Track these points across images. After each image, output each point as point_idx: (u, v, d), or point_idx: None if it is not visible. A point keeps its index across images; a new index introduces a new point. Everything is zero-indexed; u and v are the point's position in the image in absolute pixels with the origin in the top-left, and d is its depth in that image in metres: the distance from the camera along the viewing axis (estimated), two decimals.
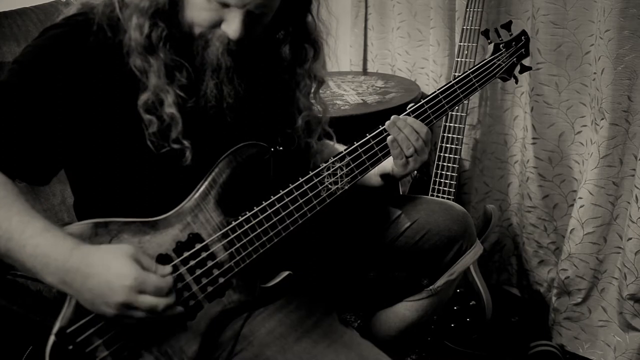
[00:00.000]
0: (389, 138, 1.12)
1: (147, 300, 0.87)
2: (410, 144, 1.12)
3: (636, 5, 1.54)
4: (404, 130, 1.12)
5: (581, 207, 1.75)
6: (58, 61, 0.95)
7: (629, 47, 1.58)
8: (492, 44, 1.28)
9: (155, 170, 1.01)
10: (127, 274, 0.85)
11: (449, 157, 1.78)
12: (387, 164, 1.19)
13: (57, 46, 0.96)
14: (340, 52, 2.56)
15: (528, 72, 1.83)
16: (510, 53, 1.29)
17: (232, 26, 0.97)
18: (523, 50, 1.31)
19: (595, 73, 1.68)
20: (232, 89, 1.04)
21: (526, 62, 1.33)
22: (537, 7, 1.76)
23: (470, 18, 1.77)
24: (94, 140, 1.00)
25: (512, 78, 1.32)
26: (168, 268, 0.92)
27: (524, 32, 1.31)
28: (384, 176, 1.23)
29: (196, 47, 1.00)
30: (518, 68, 1.33)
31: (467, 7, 1.78)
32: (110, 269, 0.86)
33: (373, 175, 1.23)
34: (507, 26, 1.32)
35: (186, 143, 0.99)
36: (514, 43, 1.30)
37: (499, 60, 1.27)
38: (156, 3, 0.97)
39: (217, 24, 0.99)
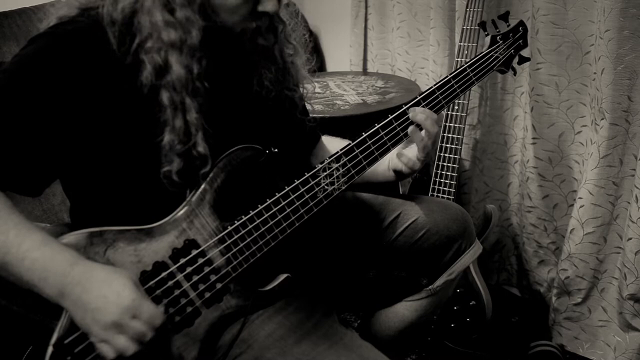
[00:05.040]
0: (410, 129, 1.11)
1: (138, 326, 0.86)
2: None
3: (636, 5, 1.54)
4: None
5: (581, 207, 1.75)
6: (45, 72, 0.92)
7: (629, 47, 1.58)
8: (489, 36, 1.24)
9: (161, 191, 0.99)
10: (126, 295, 0.85)
11: (449, 157, 1.78)
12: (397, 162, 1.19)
13: (44, 56, 0.93)
14: (340, 52, 2.56)
15: (528, 72, 1.85)
16: (508, 45, 1.25)
17: (270, 2, 0.98)
18: (521, 41, 1.27)
19: (595, 73, 1.68)
20: (273, 71, 1.08)
21: (525, 52, 1.29)
22: (537, 7, 1.76)
23: (470, 18, 1.77)
24: (90, 155, 0.98)
25: (511, 70, 1.28)
26: (160, 307, 0.92)
27: (521, 23, 1.27)
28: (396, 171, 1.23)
29: (243, 43, 1.01)
30: (516, 59, 1.29)
31: (467, 7, 1.78)
32: (111, 287, 0.85)
33: (385, 171, 1.22)
34: (505, 17, 1.28)
35: (204, 185, 0.99)
36: (511, 34, 1.25)
37: (496, 52, 1.23)
38: (197, 35, 0.95)
39: (254, 11, 0.99)
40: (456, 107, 1.78)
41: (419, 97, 1.14)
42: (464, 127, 1.78)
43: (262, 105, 1.11)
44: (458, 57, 1.78)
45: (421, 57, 2.27)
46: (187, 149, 0.97)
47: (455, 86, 1.17)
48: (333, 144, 1.31)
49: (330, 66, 2.66)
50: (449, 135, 1.78)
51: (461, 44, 1.78)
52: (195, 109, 0.96)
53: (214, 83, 1.00)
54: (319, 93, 2.14)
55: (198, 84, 0.96)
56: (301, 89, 1.23)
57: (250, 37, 1.02)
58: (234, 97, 1.09)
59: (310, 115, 1.29)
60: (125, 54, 0.95)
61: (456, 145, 1.77)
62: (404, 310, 1.36)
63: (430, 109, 1.14)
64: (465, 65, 1.19)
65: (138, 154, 0.98)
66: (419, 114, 1.11)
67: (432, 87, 1.15)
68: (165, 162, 0.96)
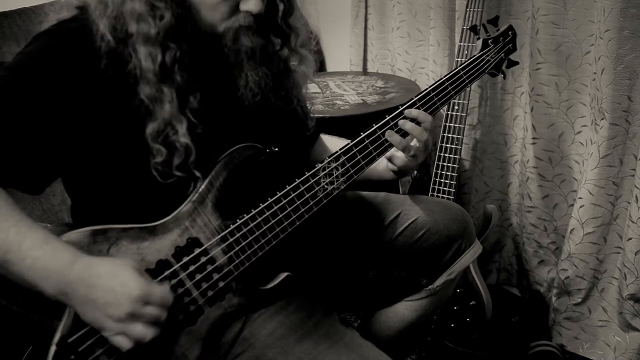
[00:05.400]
0: (404, 124, 1.12)
1: (152, 311, 0.86)
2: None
3: (636, 5, 1.54)
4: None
5: (581, 207, 1.75)
6: (49, 70, 0.92)
7: (629, 47, 1.58)
8: (481, 39, 1.27)
9: (155, 185, 0.99)
10: (134, 285, 0.85)
11: (449, 157, 1.78)
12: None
13: (48, 54, 0.93)
14: (340, 52, 2.56)
15: (528, 72, 1.85)
16: (499, 48, 1.28)
17: (252, 1, 0.98)
18: (511, 45, 1.30)
19: (595, 73, 1.68)
20: (260, 74, 1.07)
21: (515, 57, 1.32)
22: (537, 7, 1.76)
23: (470, 18, 1.77)
24: (92, 154, 0.98)
25: (501, 73, 1.31)
26: (167, 285, 0.91)
27: (510, 27, 1.30)
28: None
29: (226, 42, 1.00)
30: (506, 63, 1.32)
31: (467, 7, 1.78)
32: (116, 279, 0.85)
33: (385, 168, 1.22)
34: (494, 21, 1.31)
35: (197, 173, 0.99)
36: (501, 38, 1.28)
37: (487, 56, 1.25)
38: (163, 25, 0.95)
39: (236, 9, 0.98)
40: (456, 107, 1.78)
41: (414, 98, 1.16)
42: (464, 127, 1.78)
43: (249, 105, 1.10)
44: (458, 57, 1.79)
45: (421, 57, 2.27)
46: (172, 140, 0.96)
47: (450, 88, 1.19)
48: (331, 142, 1.32)
49: (330, 66, 2.66)
50: (449, 135, 1.78)
51: (461, 44, 1.78)
52: (170, 99, 0.96)
53: (192, 76, 0.99)
54: (318, 93, 2.14)
55: (166, 75, 0.96)
56: (304, 98, 1.23)
57: (234, 36, 1.01)
58: (218, 94, 1.08)
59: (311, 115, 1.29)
60: (110, 48, 0.95)
61: (456, 145, 1.77)
62: (404, 310, 1.36)
63: (426, 110, 1.15)
64: (459, 68, 1.21)
65: (132, 148, 0.98)
66: (407, 122, 1.12)
67: (427, 89, 1.17)
68: (151, 154, 0.96)
